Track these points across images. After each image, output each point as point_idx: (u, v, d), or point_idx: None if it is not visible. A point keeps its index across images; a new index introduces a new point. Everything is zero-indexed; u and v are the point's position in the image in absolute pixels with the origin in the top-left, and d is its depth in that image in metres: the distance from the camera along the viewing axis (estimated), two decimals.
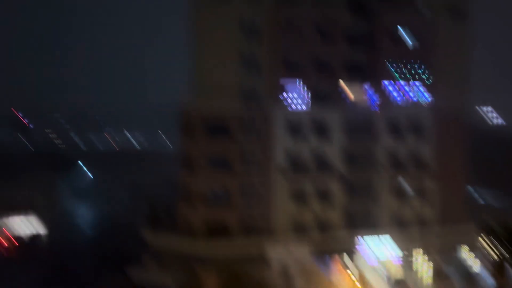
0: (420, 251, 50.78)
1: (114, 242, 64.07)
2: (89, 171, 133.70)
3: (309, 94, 49.07)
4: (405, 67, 51.58)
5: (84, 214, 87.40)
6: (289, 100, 49.31)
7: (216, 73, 47.06)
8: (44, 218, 71.53)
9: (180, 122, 47.32)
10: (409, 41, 52.24)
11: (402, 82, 51.62)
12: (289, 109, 48.88)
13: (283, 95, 48.85)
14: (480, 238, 52.16)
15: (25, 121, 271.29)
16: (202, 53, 48.09)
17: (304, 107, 49.27)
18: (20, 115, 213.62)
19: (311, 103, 49.31)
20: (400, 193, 50.32)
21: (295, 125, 48.45)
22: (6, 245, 60.88)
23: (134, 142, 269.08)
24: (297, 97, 49.54)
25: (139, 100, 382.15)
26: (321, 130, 49.14)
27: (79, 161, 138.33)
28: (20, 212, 70.30)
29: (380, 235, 48.90)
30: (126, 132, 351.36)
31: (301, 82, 49.05)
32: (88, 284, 48.64)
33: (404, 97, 52.22)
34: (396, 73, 51.20)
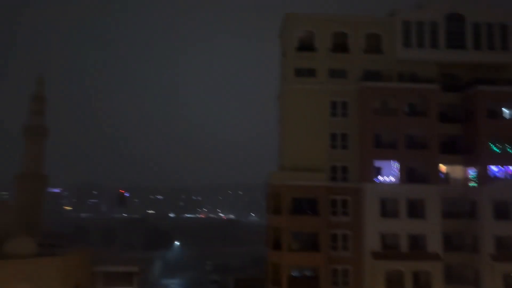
0: None
1: None
2: (183, 246, 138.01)
3: (403, 172, 47.44)
4: (506, 144, 48.18)
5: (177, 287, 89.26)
6: (382, 179, 48.15)
7: (304, 152, 47.77)
8: None
9: (269, 199, 47.89)
10: (509, 118, 49.42)
11: (502, 160, 48.04)
12: (382, 187, 47.50)
13: (375, 174, 47.89)
14: None
15: (130, 198, 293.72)
16: (291, 132, 49.32)
17: (398, 186, 47.53)
18: (126, 194, 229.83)
19: (406, 181, 47.45)
20: (505, 281, 44.57)
21: (388, 204, 46.73)
22: None
23: (225, 218, 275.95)
24: (390, 176, 48.23)
25: (230, 179, 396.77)
26: (416, 209, 46.75)
27: (174, 235, 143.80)
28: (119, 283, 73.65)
29: None
30: (218, 210, 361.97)
31: (395, 160, 47.84)
32: None
33: (506, 175, 48.27)
34: (496, 150, 47.95)
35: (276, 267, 44.77)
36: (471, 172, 48.95)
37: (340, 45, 49.70)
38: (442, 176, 48.63)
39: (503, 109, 49.53)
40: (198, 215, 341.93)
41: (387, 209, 46.66)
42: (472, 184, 48.66)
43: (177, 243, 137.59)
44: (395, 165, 47.85)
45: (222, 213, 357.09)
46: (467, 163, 48.95)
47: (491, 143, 47.81)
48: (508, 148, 48.20)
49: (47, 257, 49.49)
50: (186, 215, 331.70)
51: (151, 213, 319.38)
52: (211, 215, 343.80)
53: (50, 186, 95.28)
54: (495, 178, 47.67)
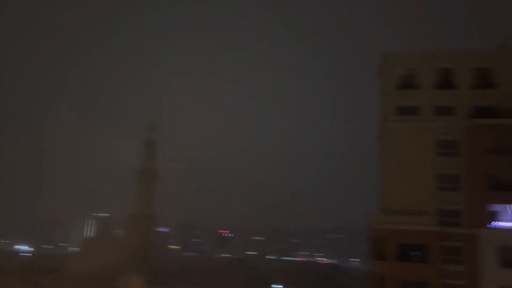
0: None
1: None
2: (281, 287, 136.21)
3: None
4: None
5: None
6: (501, 224, 43.65)
7: (408, 193, 45.35)
8: None
9: (372, 244, 45.69)
10: None
11: None
12: (501, 234, 42.97)
13: (491, 218, 43.61)
14: None
15: (231, 238, 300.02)
16: (393, 173, 47.22)
17: None
18: (228, 234, 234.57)
19: None
20: None
21: (506, 251, 42.02)
22: None
23: (325, 262, 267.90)
24: (507, 220, 43.57)
25: (331, 222, 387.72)
26: None
27: (274, 277, 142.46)
28: None
29: None
30: (318, 254, 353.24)
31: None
32: None
33: None
34: None
35: None
36: None
37: (446, 81, 47.37)
38: None
39: None
40: (297, 258, 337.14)
41: (508, 258, 41.83)
42: None
43: (278, 286, 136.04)
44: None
45: (322, 257, 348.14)
46: None
47: None
48: None
49: None
50: (286, 257, 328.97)
51: (252, 254, 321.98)
52: (311, 259, 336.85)
53: (159, 225, 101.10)
54: None
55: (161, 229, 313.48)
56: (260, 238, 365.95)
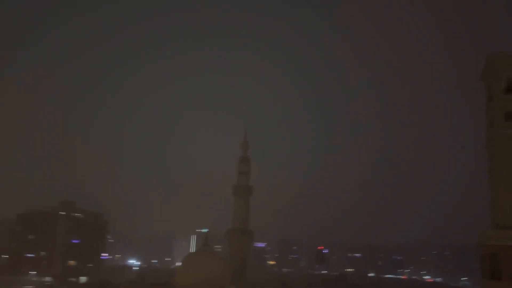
0: None
1: None
2: None
3: None
4: None
5: None
6: None
7: None
8: None
9: (483, 262, 41.99)
10: None
11: None
12: None
13: None
14: None
15: (328, 255, 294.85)
16: (505, 184, 43.17)
17: None
18: (325, 250, 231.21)
19: None
20: None
21: None
22: None
23: (431, 280, 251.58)
24: None
25: (434, 238, 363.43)
26: None
27: None
28: None
29: None
30: (422, 272, 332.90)
31: None
32: None
33: None
34: None
35: None
36: None
37: None
38: None
39: None
40: (399, 276, 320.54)
41: None
42: None
43: None
44: None
45: (427, 275, 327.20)
46: None
47: None
48: None
49: None
50: (387, 275, 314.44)
51: (350, 271, 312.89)
52: (414, 277, 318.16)
53: (255, 240, 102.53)
54: None
55: (258, 244, 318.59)
56: (357, 254, 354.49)
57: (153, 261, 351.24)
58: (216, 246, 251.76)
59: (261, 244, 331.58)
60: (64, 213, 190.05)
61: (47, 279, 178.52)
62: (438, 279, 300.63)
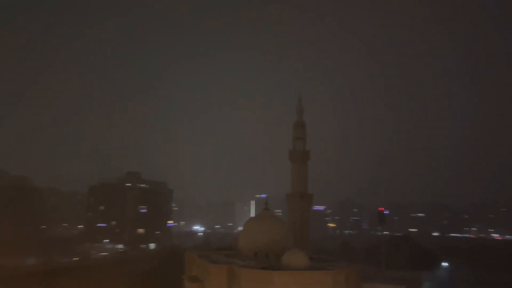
0: None
1: None
2: (453, 268, 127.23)
3: None
4: None
5: None
6: None
7: None
8: None
9: None
10: None
11: None
12: None
13: None
14: None
15: (389, 216, 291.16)
16: None
17: None
18: (386, 211, 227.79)
19: None
20: None
21: None
22: None
23: (500, 238, 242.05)
24: None
25: (503, 195, 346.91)
26: None
27: (441, 256, 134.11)
28: None
29: None
30: (490, 230, 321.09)
31: None
32: None
33: None
34: None
35: None
36: None
37: None
38: None
39: None
40: (466, 235, 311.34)
41: None
42: None
43: (445, 264, 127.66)
44: None
45: (495, 233, 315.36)
46: None
47: None
48: None
49: (320, 271, 52.99)
50: (452, 234, 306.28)
51: (413, 231, 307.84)
52: (482, 235, 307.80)
53: (315, 204, 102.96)
54: None
55: (317, 207, 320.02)
56: (421, 214, 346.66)
57: (216, 226, 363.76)
58: (276, 211, 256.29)
59: (320, 207, 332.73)
60: (130, 184, 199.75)
61: (120, 246, 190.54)
62: (508, 236, 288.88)
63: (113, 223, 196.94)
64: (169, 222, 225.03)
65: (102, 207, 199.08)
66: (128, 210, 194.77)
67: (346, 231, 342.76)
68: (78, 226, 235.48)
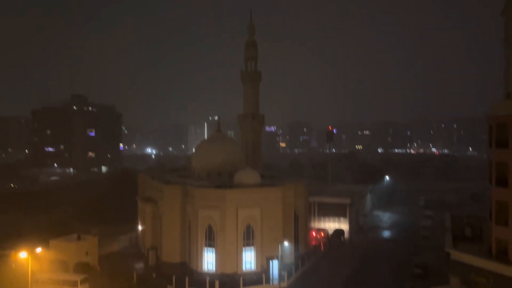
0: None
1: (411, 251, 63.15)
2: (394, 181, 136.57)
3: None
4: None
5: (385, 221, 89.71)
6: None
7: None
8: (351, 220, 77.61)
9: (491, 132, 42.49)
10: None
11: None
12: None
13: None
14: None
15: (337, 134, 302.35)
16: None
17: None
18: (334, 130, 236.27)
19: None
20: None
21: None
22: (317, 242, 68.85)
23: (438, 153, 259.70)
24: None
25: (441, 112, 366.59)
26: None
27: (384, 170, 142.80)
28: (333, 213, 78.60)
29: None
30: (430, 145, 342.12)
31: None
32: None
33: None
34: None
35: (502, 206, 40.35)
36: None
37: None
38: None
39: None
40: (408, 150, 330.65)
41: None
42: None
43: (387, 178, 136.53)
44: None
45: (434, 148, 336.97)
46: None
47: None
48: None
49: (270, 187, 55.45)
50: (395, 150, 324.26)
51: (359, 149, 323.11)
52: (422, 150, 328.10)
53: (266, 125, 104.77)
54: None
55: (269, 128, 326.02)
56: (367, 132, 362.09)
57: (169, 148, 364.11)
58: (229, 132, 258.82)
59: (271, 128, 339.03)
60: (76, 108, 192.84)
61: (70, 170, 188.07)
62: (445, 151, 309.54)
63: (62, 147, 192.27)
64: (120, 145, 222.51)
65: (48, 131, 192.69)
66: (76, 134, 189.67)
67: (296, 150, 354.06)
68: (25, 151, 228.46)
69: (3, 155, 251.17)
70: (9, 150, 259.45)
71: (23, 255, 28.44)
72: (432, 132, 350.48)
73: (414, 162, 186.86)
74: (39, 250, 33.69)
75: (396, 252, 65.25)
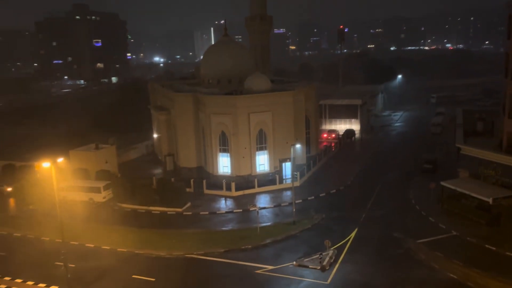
0: None
1: (422, 148, 64.14)
2: (406, 79, 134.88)
3: None
4: None
5: (396, 120, 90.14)
6: None
7: None
8: (362, 120, 78.27)
9: (510, 23, 40.71)
10: None
11: None
12: None
13: None
14: None
15: (349, 33, 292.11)
16: None
17: None
18: (345, 29, 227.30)
19: None
20: None
21: None
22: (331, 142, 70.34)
23: (452, 48, 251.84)
24: None
25: (457, 4, 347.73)
26: None
27: (396, 69, 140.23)
28: (344, 115, 79.09)
29: None
30: (445, 41, 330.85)
31: None
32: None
33: None
34: None
35: None
36: None
37: None
38: None
39: None
40: (421, 47, 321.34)
41: None
42: None
43: (399, 76, 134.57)
44: None
45: (449, 44, 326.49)
46: None
47: None
48: None
49: (281, 92, 55.33)
50: (409, 47, 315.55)
51: (371, 47, 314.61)
52: (437, 46, 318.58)
53: (275, 27, 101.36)
54: None
55: (277, 30, 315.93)
56: (379, 30, 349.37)
57: (176, 57, 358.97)
58: (237, 37, 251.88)
59: (280, 31, 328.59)
60: (79, 17, 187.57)
61: (81, 82, 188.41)
62: (460, 46, 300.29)
63: (70, 59, 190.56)
64: (127, 54, 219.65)
65: (54, 43, 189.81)
66: (82, 44, 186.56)
67: (306, 52, 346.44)
68: (34, 65, 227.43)
69: (13, 69, 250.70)
70: (18, 64, 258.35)
71: (46, 165, 29.77)
72: (447, 27, 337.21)
73: (427, 59, 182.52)
74: (60, 160, 35.21)
75: (406, 149, 66.63)
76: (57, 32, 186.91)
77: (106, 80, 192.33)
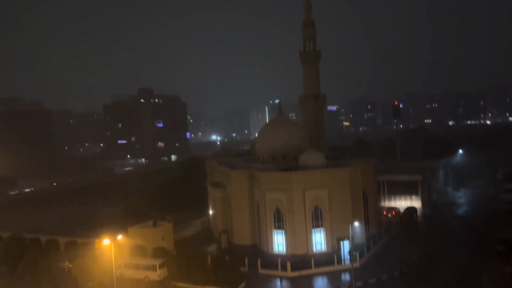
0: None
1: (492, 227, 59.68)
2: (468, 154, 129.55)
3: None
4: None
5: (461, 197, 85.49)
6: None
7: None
8: (423, 197, 74.71)
9: None
10: None
11: None
12: None
13: None
14: None
15: (404, 109, 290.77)
16: None
17: None
18: (400, 105, 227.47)
19: None
20: None
21: None
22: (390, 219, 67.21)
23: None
24: None
25: None
26: None
27: (457, 143, 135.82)
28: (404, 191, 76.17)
29: None
30: (507, 114, 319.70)
31: None
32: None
33: None
34: None
35: None
36: None
37: None
38: None
39: None
40: (482, 121, 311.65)
41: None
42: None
43: (460, 151, 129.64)
44: None
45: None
46: None
47: None
48: None
49: (336, 168, 54.64)
50: (468, 121, 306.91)
51: (428, 122, 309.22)
52: (499, 120, 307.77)
53: (328, 104, 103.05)
54: None
55: (330, 107, 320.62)
56: (436, 105, 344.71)
57: (232, 135, 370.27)
58: (290, 114, 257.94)
59: (333, 108, 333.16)
60: (144, 100, 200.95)
61: (142, 160, 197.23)
62: None
63: (133, 139, 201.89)
64: (187, 134, 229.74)
65: (119, 125, 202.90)
66: (145, 125, 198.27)
67: (361, 128, 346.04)
68: (100, 145, 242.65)
69: (81, 149, 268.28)
70: (86, 144, 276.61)
71: (106, 242, 30.47)
72: (508, 100, 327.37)
73: (489, 133, 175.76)
74: (119, 237, 35.97)
75: (474, 229, 62.14)
76: (122, 114, 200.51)
77: (166, 158, 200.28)
